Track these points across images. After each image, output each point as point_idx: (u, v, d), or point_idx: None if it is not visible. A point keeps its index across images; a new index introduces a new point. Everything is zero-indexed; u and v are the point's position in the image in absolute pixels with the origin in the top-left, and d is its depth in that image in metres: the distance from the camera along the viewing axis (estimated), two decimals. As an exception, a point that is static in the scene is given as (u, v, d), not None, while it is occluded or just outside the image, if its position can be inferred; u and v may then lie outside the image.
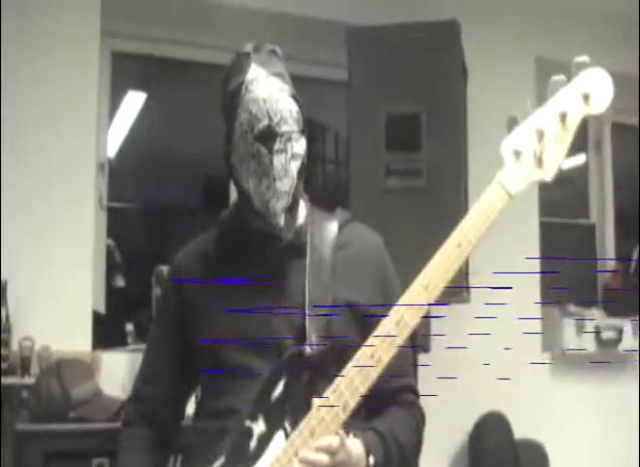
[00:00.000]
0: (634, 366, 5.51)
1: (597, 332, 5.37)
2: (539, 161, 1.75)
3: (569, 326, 5.32)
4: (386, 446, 1.97)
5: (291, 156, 2.05)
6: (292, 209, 2.09)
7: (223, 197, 4.94)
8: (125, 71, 5.06)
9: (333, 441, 1.79)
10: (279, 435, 1.89)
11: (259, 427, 1.91)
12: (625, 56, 5.20)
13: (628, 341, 5.45)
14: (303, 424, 1.85)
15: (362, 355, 1.82)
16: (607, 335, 5.39)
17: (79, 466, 3.25)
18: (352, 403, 1.81)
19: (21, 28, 4.17)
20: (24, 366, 3.77)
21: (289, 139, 2.04)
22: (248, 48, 2.07)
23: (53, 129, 4.21)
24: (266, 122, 2.00)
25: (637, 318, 5.49)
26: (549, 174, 1.76)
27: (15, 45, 4.13)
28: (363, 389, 1.81)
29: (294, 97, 2.07)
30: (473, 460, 4.84)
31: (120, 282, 4.95)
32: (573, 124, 1.74)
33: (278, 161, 2.02)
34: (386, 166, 3.96)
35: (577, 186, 5.98)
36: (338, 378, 1.83)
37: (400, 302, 1.82)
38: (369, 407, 2.03)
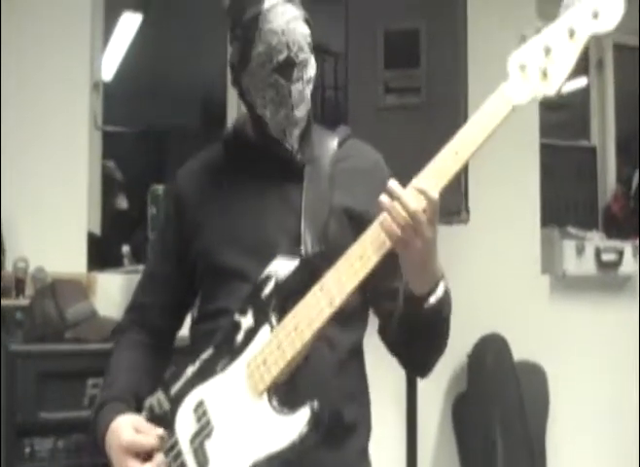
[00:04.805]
0: (634, 288, 5.51)
1: (597, 254, 5.35)
2: (544, 75, 1.71)
3: (569, 248, 5.29)
4: (447, 290, 1.91)
5: (306, 81, 2.08)
6: (306, 133, 2.14)
7: (220, 118, 4.91)
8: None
9: (434, 191, 1.71)
10: (265, 328, 1.90)
11: (247, 321, 1.93)
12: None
13: (628, 264, 5.43)
14: (289, 318, 1.85)
15: (351, 254, 1.79)
16: (607, 257, 5.37)
17: (74, 386, 3.24)
18: (339, 299, 1.78)
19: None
20: (19, 287, 3.76)
21: (305, 66, 2.07)
22: None
23: (46, 50, 4.15)
24: (285, 53, 2.02)
25: (637, 241, 5.46)
26: (553, 88, 1.71)
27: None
28: (350, 287, 1.78)
29: (306, 21, 2.07)
30: (472, 382, 4.85)
31: (122, 204, 4.93)
32: (581, 40, 1.69)
33: (296, 89, 2.05)
34: (385, 84, 3.90)
35: (578, 108, 5.92)
36: (327, 275, 1.82)
37: None
38: (384, 309, 2.09)
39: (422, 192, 1.70)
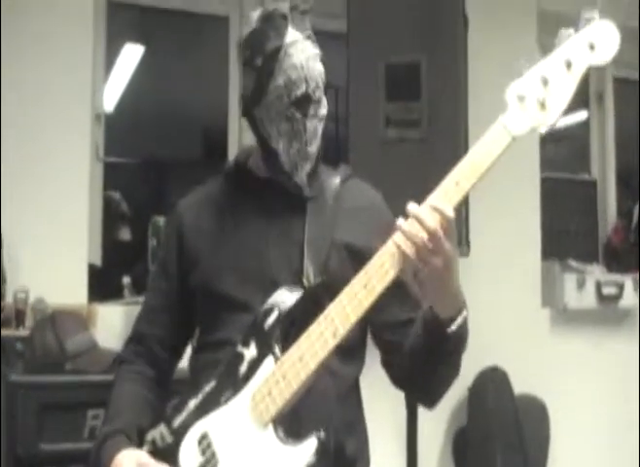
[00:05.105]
0: (634, 322, 5.50)
1: (598, 287, 5.34)
2: (542, 106, 1.73)
3: (569, 281, 5.29)
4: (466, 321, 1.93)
5: (320, 119, 2.11)
6: (315, 169, 2.15)
7: (222, 149, 4.92)
8: (122, 23, 5.00)
9: (449, 208, 1.71)
10: (269, 360, 1.90)
11: (250, 352, 1.93)
12: (628, 10, 5.12)
13: (629, 297, 5.42)
14: (293, 349, 1.85)
15: (355, 283, 1.80)
16: (608, 290, 5.36)
17: (74, 418, 3.23)
18: (342, 330, 1.79)
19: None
20: (19, 318, 3.76)
21: (320, 103, 2.10)
22: (284, 8, 2.08)
23: (47, 81, 4.17)
24: (303, 89, 2.04)
25: (638, 274, 5.46)
26: (551, 119, 1.73)
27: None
28: (354, 317, 1.78)
29: (322, 60, 2.10)
30: (472, 415, 4.83)
31: (126, 236, 4.92)
32: (578, 72, 1.72)
33: (311, 125, 2.08)
34: (386, 116, 3.92)
35: (578, 141, 5.94)
36: (331, 306, 1.82)
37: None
38: (386, 342, 2.11)
39: (436, 209, 1.70)
